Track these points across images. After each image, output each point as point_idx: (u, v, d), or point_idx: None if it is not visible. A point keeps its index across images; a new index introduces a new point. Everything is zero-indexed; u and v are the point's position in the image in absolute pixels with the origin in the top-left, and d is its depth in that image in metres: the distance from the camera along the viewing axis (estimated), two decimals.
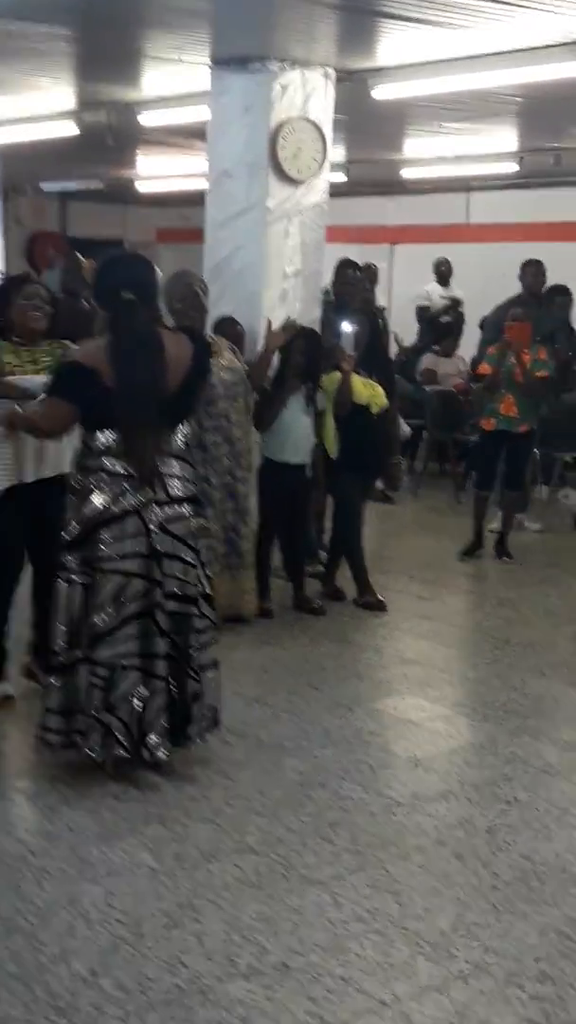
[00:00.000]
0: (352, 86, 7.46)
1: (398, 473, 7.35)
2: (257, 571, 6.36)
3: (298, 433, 6.44)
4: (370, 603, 6.77)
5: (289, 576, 6.72)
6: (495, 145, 10.81)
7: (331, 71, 7.20)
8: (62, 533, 4.30)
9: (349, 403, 6.52)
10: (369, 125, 9.51)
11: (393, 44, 6.75)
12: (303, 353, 6.39)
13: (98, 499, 4.22)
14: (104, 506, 4.22)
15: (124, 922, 3.45)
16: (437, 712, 5.30)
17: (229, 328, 6.55)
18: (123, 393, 4.19)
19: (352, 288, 8.09)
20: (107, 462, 4.24)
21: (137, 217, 17.65)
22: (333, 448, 6.64)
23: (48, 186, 15.99)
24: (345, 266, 8.20)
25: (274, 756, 4.63)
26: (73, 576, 4.26)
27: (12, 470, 4.86)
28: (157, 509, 4.27)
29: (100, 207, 17.26)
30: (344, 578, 6.95)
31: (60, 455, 4.90)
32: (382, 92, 7.54)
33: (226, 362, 6.06)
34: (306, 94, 7.10)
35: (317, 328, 7.05)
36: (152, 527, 4.24)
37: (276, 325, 6.45)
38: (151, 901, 3.57)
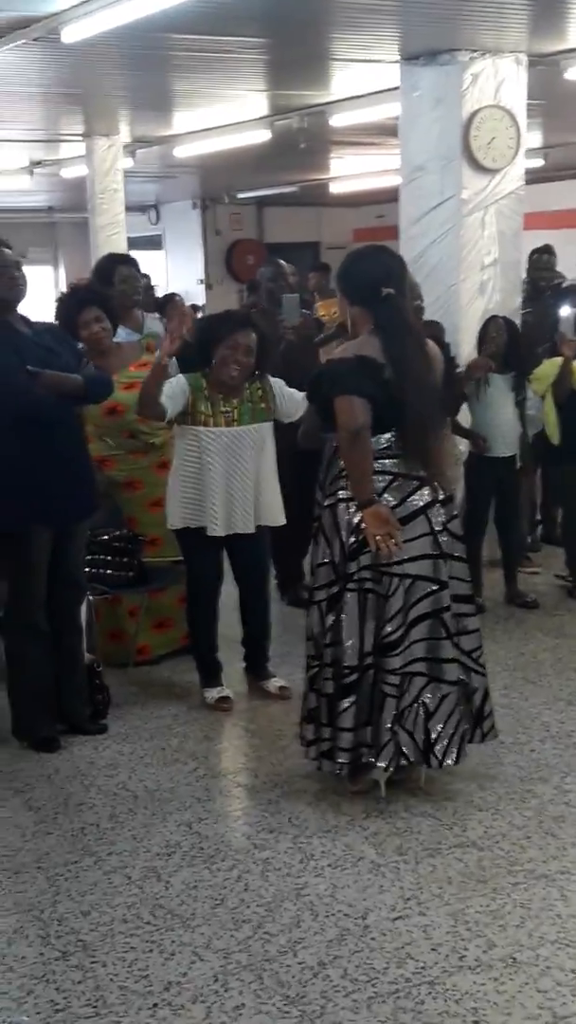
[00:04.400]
0: (545, 70, 7.33)
1: None
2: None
3: (504, 425, 6.35)
4: None
5: (505, 571, 6.63)
6: None
7: (522, 56, 7.08)
8: (345, 541, 4.10)
9: (569, 389, 6.37)
10: (565, 108, 9.32)
11: None
12: (498, 341, 6.31)
13: (384, 501, 4.05)
14: (391, 508, 4.06)
15: (349, 915, 3.48)
16: None
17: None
18: (410, 391, 4.05)
19: (549, 273, 7.97)
20: (386, 464, 4.10)
21: (332, 219, 17.78)
22: (555, 435, 6.50)
23: (244, 194, 16.27)
24: (538, 252, 8.08)
25: (493, 752, 4.56)
26: (365, 584, 4.07)
27: (197, 516, 4.97)
28: (440, 508, 4.17)
29: (295, 211, 17.47)
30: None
31: (258, 509, 5.02)
32: None
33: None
34: (497, 82, 7.00)
35: (518, 318, 6.96)
36: (437, 527, 4.14)
37: (475, 317, 6.42)
38: (375, 894, 3.59)
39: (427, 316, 6.43)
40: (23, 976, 3.24)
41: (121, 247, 10.91)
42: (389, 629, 4.06)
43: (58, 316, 5.47)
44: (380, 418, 4.04)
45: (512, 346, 6.37)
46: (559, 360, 6.36)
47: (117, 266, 6.31)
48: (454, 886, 3.63)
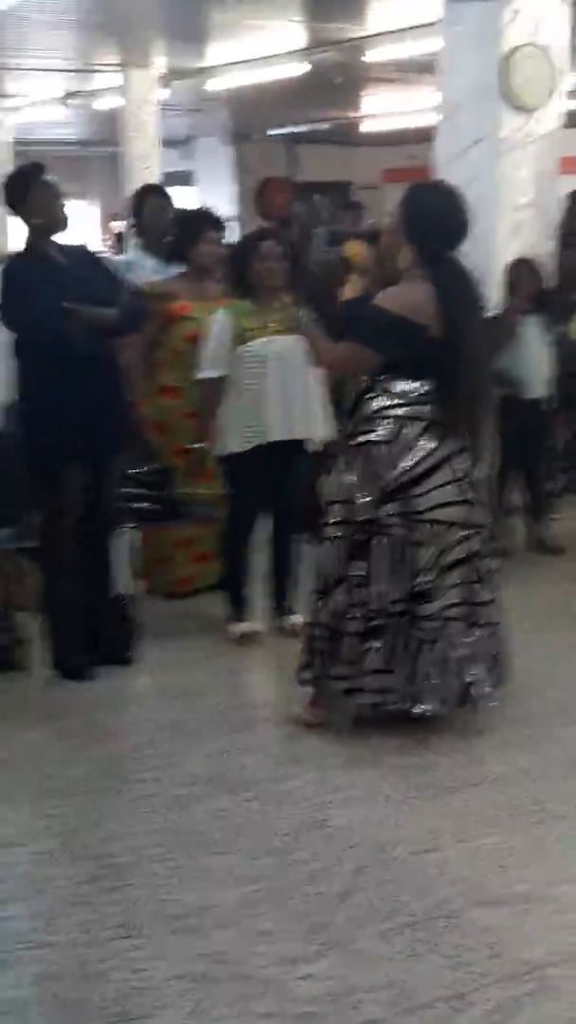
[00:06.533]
0: None
1: None
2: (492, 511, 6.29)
3: (537, 366, 6.33)
4: None
5: (531, 515, 6.62)
6: None
7: None
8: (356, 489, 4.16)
9: None
10: None
11: None
12: (530, 283, 6.26)
13: (419, 448, 4.10)
14: (424, 455, 4.10)
15: (368, 847, 3.53)
16: None
17: None
18: (464, 366, 4.10)
19: None
20: (422, 410, 4.11)
21: (364, 158, 17.57)
22: None
23: (275, 131, 16.09)
24: (573, 196, 8.00)
25: (516, 693, 4.57)
26: (393, 530, 4.11)
27: (257, 430, 4.98)
28: (463, 456, 4.20)
29: (327, 150, 17.27)
30: None
31: (309, 417, 5.03)
32: None
33: None
34: (538, 18, 6.88)
35: (551, 261, 6.89)
36: (461, 474, 4.17)
37: (509, 258, 6.37)
38: (394, 828, 3.64)
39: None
40: (53, 898, 3.31)
41: (154, 181, 10.81)
42: (422, 578, 4.10)
43: (180, 234, 5.66)
44: (417, 368, 4.08)
45: (540, 288, 6.33)
46: None
47: (147, 197, 6.29)
48: (473, 823, 3.67)
